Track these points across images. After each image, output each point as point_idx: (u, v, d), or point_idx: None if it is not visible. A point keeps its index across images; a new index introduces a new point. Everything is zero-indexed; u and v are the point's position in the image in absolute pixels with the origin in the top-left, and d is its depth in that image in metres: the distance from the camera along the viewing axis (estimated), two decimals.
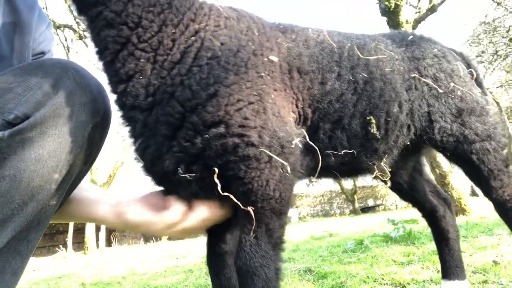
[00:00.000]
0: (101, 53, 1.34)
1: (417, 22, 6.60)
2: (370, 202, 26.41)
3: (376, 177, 1.79)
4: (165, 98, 1.27)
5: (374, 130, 1.53)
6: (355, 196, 24.84)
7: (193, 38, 1.31)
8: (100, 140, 1.35)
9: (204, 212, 1.40)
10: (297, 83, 1.43)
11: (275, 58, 1.40)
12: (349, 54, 1.56)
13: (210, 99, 1.24)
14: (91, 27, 1.34)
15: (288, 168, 1.29)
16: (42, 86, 1.16)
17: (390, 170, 1.74)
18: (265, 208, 1.25)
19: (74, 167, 1.22)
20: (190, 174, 1.28)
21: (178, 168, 1.29)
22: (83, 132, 1.21)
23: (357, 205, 24.74)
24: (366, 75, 1.54)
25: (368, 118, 1.53)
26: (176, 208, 1.40)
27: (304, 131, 1.40)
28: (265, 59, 1.37)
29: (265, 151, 1.26)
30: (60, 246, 17.50)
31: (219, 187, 1.25)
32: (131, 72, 1.29)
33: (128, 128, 1.41)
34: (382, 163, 1.68)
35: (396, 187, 2.19)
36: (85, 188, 1.48)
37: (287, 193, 1.30)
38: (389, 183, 1.81)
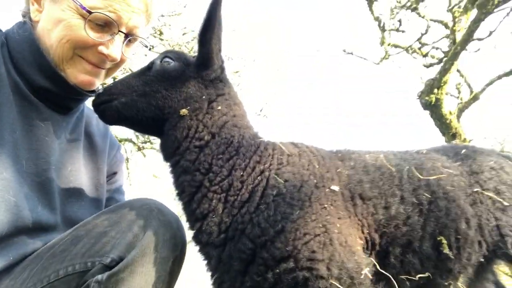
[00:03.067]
0: (180, 195, 1.53)
1: (460, 111, 6.64)
2: None
3: None
4: (236, 235, 1.39)
5: (446, 250, 1.51)
6: None
7: (259, 178, 1.45)
8: (178, 271, 1.46)
9: None
10: (361, 210, 1.48)
11: (336, 188, 1.48)
12: (408, 176, 1.60)
13: (278, 235, 1.33)
14: (172, 172, 1.55)
15: None
16: (132, 228, 1.33)
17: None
18: None
19: None
20: None
21: None
22: (165, 267, 1.34)
23: None
24: (429, 195, 1.57)
25: (439, 238, 1.53)
26: None
27: (373, 260, 1.42)
28: (327, 189, 1.46)
29: (335, 283, 1.29)
30: None
31: None
32: (205, 211, 1.44)
33: (205, 262, 1.51)
34: (459, 283, 1.62)
35: None
36: None
37: None
38: None
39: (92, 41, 1.52)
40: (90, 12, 1.48)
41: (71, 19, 1.49)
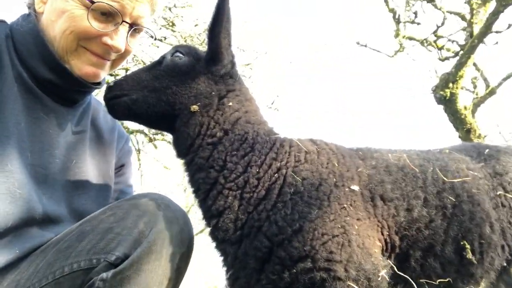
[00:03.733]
0: (196, 193, 1.50)
1: (476, 106, 6.52)
2: None
3: None
4: (252, 232, 1.36)
5: (469, 255, 1.47)
6: None
7: (276, 175, 1.42)
8: (185, 268, 1.45)
9: None
10: (381, 211, 1.45)
11: (356, 187, 1.44)
12: (433, 178, 1.56)
13: (296, 235, 1.31)
14: (187, 170, 1.53)
15: None
16: (138, 224, 1.31)
17: None
18: None
19: None
20: None
21: None
22: (172, 264, 1.32)
23: None
24: (453, 199, 1.52)
25: (462, 243, 1.49)
26: None
27: (390, 262, 1.38)
28: (347, 189, 1.42)
29: (352, 285, 1.27)
30: None
31: None
32: (221, 208, 1.41)
33: (221, 258, 1.50)
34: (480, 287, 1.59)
35: None
36: None
37: None
38: None
39: (95, 32, 1.49)
40: (92, 2, 1.45)
41: (74, 9, 1.47)
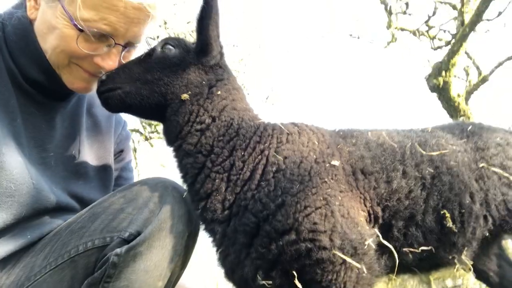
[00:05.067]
0: (184, 177, 1.56)
1: (469, 93, 6.57)
2: (449, 283, 23.60)
3: (458, 270, 1.73)
4: (240, 211, 1.43)
5: (450, 224, 1.52)
6: (431, 277, 22.43)
7: (259, 157, 1.48)
8: (193, 246, 1.51)
9: None
10: (363, 184, 1.50)
11: (336, 162, 1.50)
12: (411, 152, 1.61)
13: (279, 209, 1.37)
14: (176, 156, 1.59)
15: (364, 269, 1.33)
16: (148, 204, 1.37)
17: (472, 262, 1.68)
18: None
19: (174, 273, 1.37)
20: (267, 282, 1.37)
21: (257, 275, 1.38)
22: (181, 241, 1.38)
23: (434, 286, 22.24)
24: (432, 170, 1.57)
25: (442, 212, 1.54)
26: None
27: (376, 231, 1.44)
28: (327, 165, 1.48)
29: (338, 253, 1.32)
30: None
31: None
32: (209, 190, 1.47)
33: (211, 239, 1.54)
34: (463, 256, 1.63)
35: (482, 276, 2.06)
36: (183, 285, 1.60)
37: None
38: (473, 274, 1.73)
39: (86, 54, 1.47)
40: (81, 30, 1.41)
41: (64, 28, 1.43)
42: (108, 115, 1.91)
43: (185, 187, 1.58)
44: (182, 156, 1.54)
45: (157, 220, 1.33)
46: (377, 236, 1.43)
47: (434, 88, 5.90)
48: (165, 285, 1.34)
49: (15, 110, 1.48)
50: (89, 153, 1.75)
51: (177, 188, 1.47)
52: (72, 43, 1.44)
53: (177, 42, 1.65)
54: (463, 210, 1.58)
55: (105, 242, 1.31)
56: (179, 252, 1.37)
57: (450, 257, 1.61)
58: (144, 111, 1.65)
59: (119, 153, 1.96)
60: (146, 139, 8.94)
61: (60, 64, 1.52)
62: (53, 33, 1.46)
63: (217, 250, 1.52)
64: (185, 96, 1.54)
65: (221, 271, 1.56)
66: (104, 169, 1.79)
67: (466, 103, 6.10)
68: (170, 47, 1.62)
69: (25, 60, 1.51)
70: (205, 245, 1.60)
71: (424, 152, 1.60)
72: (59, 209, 1.52)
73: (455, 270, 1.71)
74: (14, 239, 1.39)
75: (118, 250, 1.26)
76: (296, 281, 1.33)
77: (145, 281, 1.27)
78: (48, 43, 1.48)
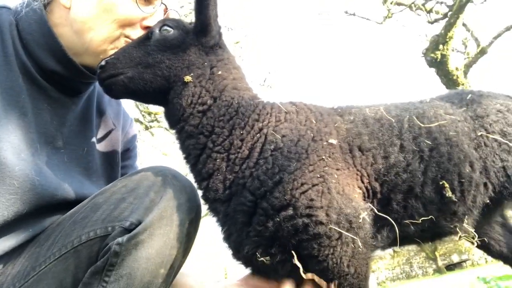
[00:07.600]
0: (186, 158, 1.58)
1: (468, 66, 6.51)
2: (455, 258, 23.61)
3: (461, 238, 1.74)
4: (239, 190, 1.44)
5: (449, 193, 1.53)
6: (437, 253, 22.60)
7: (258, 135, 1.49)
8: (194, 233, 1.52)
9: None
10: (360, 160, 1.52)
11: (334, 141, 1.51)
12: (409, 126, 1.61)
13: (277, 186, 1.38)
14: (178, 138, 1.60)
15: (359, 243, 1.36)
16: (149, 194, 1.38)
17: (474, 230, 1.69)
18: (343, 284, 1.32)
19: (176, 261, 1.38)
20: (266, 258, 1.40)
21: (257, 253, 1.40)
22: (182, 229, 1.39)
23: (440, 262, 22.40)
24: (430, 142, 1.58)
25: (441, 182, 1.55)
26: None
27: (370, 205, 1.45)
28: (325, 143, 1.49)
29: (335, 227, 1.34)
30: None
31: (301, 270, 1.35)
32: (211, 170, 1.49)
33: (215, 219, 1.56)
34: (465, 224, 1.64)
35: (484, 245, 2.08)
36: (187, 274, 1.62)
37: (362, 268, 1.36)
38: (475, 243, 1.75)
39: (141, 17, 1.58)
40: None
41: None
42: (117, 113, 1.92)
43: (188, 167, 1.59)
44: (184, 138, 1.55)
45: (158, 209, 1.34)
46: (371, 209, 1.44)
47: (432, 63, 5.85)
48: (167, 272, 1.36)
49: (25, 104, 1.47)
50: (98, 152, 1.76)
51: (177, 177, 1.48)
52: (130, 6, 1.54)
53: (176, 23, 1.64)
54: (463, 180, 1.59)
55: (106, 232, 1.33)
56: (180, 240, 1.39)
57: (452, 226, 1.62)
58: (147, 96, 1.64)
59: (126, 151, 1.99)
60: (146, 128, 8.95)
61: (110, 37, 1.56)
62: (104, 7, 1.52)
63: (221, 230, 1.55)
64: (188, 78, 1.54)
65: (229, 258, 1.58)
66: (111, 168, 1.81)
67: (465, 77, 6.06)
68: (169, 28, 1.61)
69: (42, 52, 1.51)
70: (211, 234, 1.61)
71: (421, 125, 1.60)
72: (64, 204, 1.52)
73: (458, 238, 1.73)
74: (18, 234, 1.41)
75: (119, 239, 1.28)
76: (295, 260, 1.36)
77: (147, 268, 1.29)
78: (97, 21, 1.53)
